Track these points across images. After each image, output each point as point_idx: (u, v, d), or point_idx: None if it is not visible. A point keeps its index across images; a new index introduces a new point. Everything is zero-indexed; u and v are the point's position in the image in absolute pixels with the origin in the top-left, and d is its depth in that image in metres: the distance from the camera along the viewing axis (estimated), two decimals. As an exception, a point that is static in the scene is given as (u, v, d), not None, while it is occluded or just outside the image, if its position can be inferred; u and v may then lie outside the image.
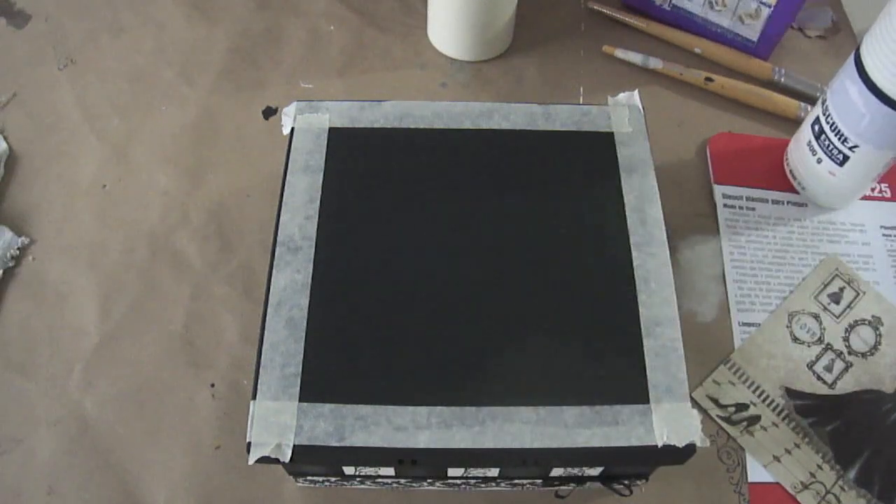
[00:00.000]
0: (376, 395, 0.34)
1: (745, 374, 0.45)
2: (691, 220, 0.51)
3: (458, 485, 0.40)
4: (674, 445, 0.33)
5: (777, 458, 0.42)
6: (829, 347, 0.46)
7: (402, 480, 0.39)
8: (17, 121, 0.54)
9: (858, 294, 0.48)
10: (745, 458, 0.42)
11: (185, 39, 0.59)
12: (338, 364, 0.35)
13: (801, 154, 0.49)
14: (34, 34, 0.59)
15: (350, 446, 0.33)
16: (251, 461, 0.32)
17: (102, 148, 0.53)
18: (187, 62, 0.57)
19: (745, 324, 0.47)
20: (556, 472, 0.37)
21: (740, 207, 0.51)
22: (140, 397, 0.43)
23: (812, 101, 0.56)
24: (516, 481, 0.39)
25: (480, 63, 0.58)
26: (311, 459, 0.33)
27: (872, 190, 0.52)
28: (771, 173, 0.53)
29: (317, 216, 0.39)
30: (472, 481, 0.39)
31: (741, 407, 0.44)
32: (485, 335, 0.36)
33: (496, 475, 0.38)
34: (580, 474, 0.38)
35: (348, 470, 0.37)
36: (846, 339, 0.46)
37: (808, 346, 0.46)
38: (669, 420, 0.33)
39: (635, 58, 0.57)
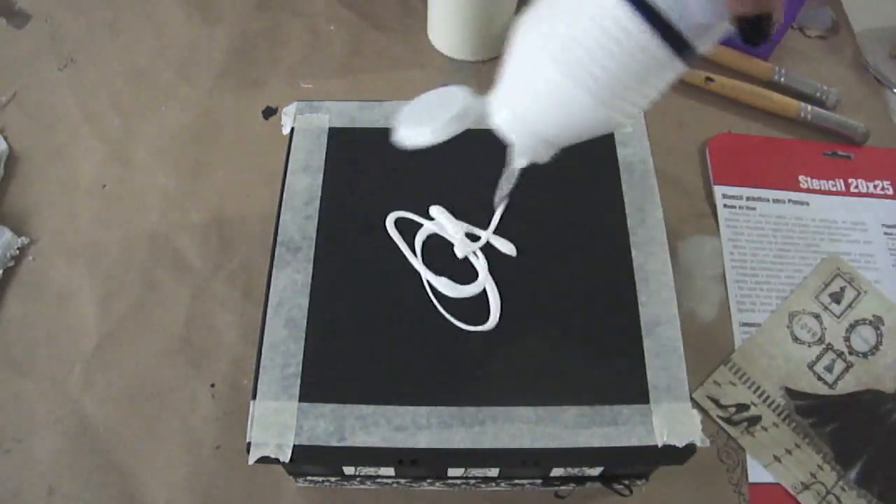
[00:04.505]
0: (376, 395, 0.34)
1: (746, 374, 0.45)
2: (691, 220, 0.51)
3: (458, 485, 0.40)
4: (674, 445, 0.33)
5: (777, 459, 0.42)
6: (829, 347, 0.46)
7: (402, 480, 0.39)
8: (17, 121, 0.54)
9: (859, 293, 0.47)
10: (746, 458, 0.42)
11: (185, 39, 0.59)
12: (338, 364, 0.35)
13: None
14: (34, 34, 0.59)
15: (350, 446, 0.33)
16: (251, 461, 0.32)
17: (102, 148, 0.53)
18: (187, 62, 0.57)
19: (745, 324, 0.46)
20: (556, 472, 0.37)
21: (740, 207, 0.51)
22: (140, 397, 0.43)
23: (812, 101, 0.56)
24: (516, 481, 0.39)
25: (480, 63, 0.58)
26: (311, 459, 0.33)
27: (875, 188, 0.52)
28: (771, 173, 0.53)
29: (317, 216, 0.39)
30: (472, 481, 0.39)
31: (742, 407, 0.44)
32: (485, 335, 0.36)
33: (496, 475, 0.38)
34: (580, 474, 0.38)
35: (348, 470, 0.37)
36: (847, 339, 0.46)
37: (809, 346, 0.46)
38: (669, 420, 0.33)
39: (635, 58, 0.57)
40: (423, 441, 0.33)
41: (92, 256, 0.48)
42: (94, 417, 0.43)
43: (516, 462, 0.33)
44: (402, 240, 0.38)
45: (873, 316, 0.47)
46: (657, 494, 0.41)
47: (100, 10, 0.60)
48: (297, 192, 0.39)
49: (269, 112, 0.55)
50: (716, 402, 0.44)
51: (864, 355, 0.46)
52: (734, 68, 0.58)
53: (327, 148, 0.41)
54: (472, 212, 0.39)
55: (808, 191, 0.52)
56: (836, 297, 0.47)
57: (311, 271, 0.37)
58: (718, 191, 0.51)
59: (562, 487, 0.41)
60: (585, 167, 0.41)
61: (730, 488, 0.42)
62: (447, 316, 0.36)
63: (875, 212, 0.51)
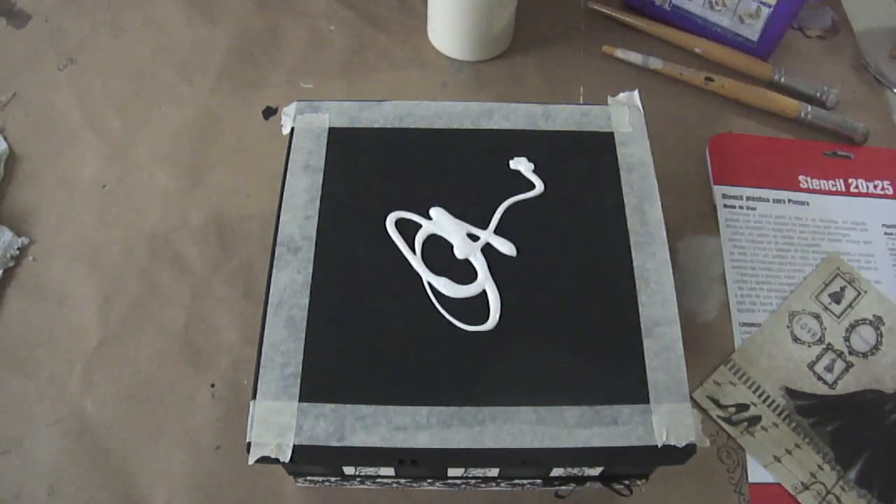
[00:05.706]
0: (376, 395, 0.34)
1: (746, 374, 0.45)
2: (691, 220, 0.51)
3: (458, 485, 0.40)
4: (674, 445, 0.33)
5: (777, 459, 0.42)
6: (829, 347, 0.46)
7: (402, 480, 0.39)
8: (17, 121, 0.54)
9: (860, 293, 0.47)
10: (746, 458, 0.42)
11: (185, 39, 0.59)
12: (338, 364, 0.35)
13: None
14: (34, 34, 0.59)
15: (350, 446, 0.33)
16: (251, 461, 0.32)
17: (102, 148, 0.53)
18: (187, 62, 0.57)
19: (745, 324, 0.47)
20: (556, 472, 0.37)
21: (740, 207, 0.51)
22: (140, 397, 0.43)
23: (812, 101, 0.56)
24: (516, 481, 0.39)
25: (480, 63, 0.58)
26: (311, 459, 0.33)
27: (875, 188, 0.52)
28: (771, 173, 0.53)
29: (317, 216, 0.39)
30: (472, 481, 0.39)
31: (742, 407, 0.44)
32: (485, 335, 0.36)
33: (496, 475, 0.38)
34: (580, 474, 0.38)
35: (348, 470, 0.37)
36: (847, 339, 0.46)
37: (809, 346, 0.46)
38: (669, 420, 0.33)
39: (635, 58, 0.57)
40: (423, 441, 0.33)
41: (92, 256, 0.48)
42: (94, 417, 0.43)
43: (516, 462, 0.33)
44: (402, 240, 0.38)
45: (873, 316, 0.47)
46: (657, 494, 0.41)
47: (100, 10, 0.60)
48: (297, 192, 0.39)
49: (269, 112, 0.55)
50: (716, 402, 0.44)
51: (864, 355, 0.46)
52: (734, 68, 0.58)
53: (327, 148, 0.41)
54: (472, 212, 0.39)
55: (808, 191, 0.52)
56: (836, 297, 0.47)
57: (311, 271, 0.37)
58: (718, 191, 0.51)
59: (562, 487, 0.41)
60: (585, 167, 0.41)
61: (730, 488, 0.42)
62: (447, 316, 0.36)
63: (875, 212, 0.51)
